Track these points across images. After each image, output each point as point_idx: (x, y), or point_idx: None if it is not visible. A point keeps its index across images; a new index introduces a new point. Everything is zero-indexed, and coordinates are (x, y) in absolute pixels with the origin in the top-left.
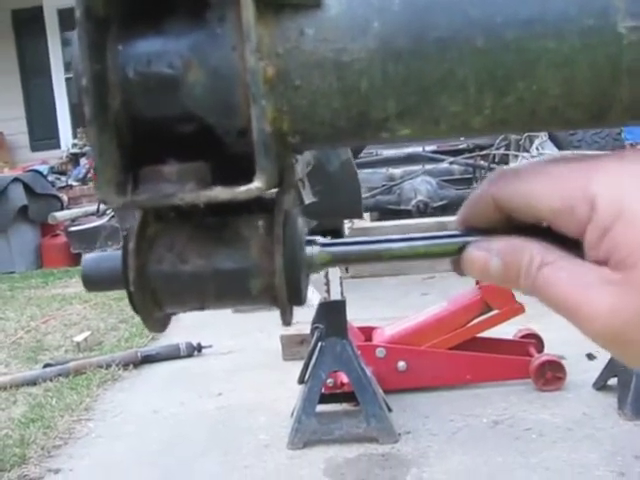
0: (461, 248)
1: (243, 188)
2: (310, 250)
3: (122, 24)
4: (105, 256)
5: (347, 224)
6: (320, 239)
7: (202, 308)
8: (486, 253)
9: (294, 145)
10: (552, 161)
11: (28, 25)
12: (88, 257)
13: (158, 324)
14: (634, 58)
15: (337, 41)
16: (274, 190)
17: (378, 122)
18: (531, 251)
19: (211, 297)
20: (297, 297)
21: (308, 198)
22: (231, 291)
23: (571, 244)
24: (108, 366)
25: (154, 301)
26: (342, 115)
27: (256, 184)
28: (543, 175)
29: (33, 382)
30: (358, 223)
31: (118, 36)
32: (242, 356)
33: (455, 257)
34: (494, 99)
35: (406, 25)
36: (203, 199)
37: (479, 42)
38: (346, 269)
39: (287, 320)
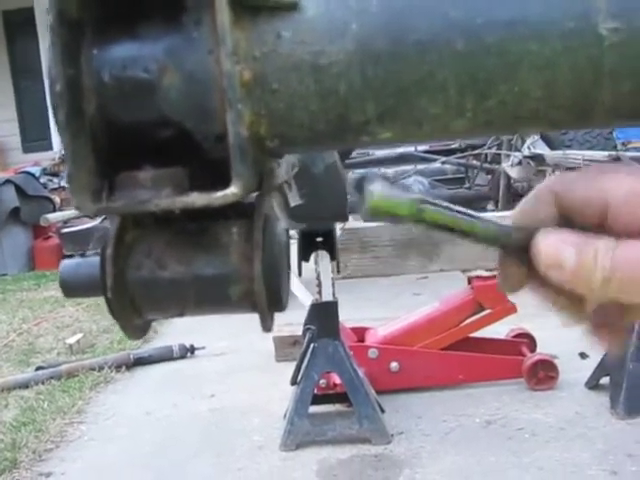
0: (518, 239)
1: (219, 194)
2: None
3: (96, 28)
4: (83, 262)
5: (339, 225)
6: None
7: (182, 314)
8: (561, 242)
9: (273, 149)
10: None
11: (19, 26)
12: (66, 263)
13: (137, 331)
14: (615, 60)
15: (314, 44)
16: (255, 194)
17: (358, 125)
18: (602, 238)
19: (191, 303)
20: (277, 303)
21: (294, 201)
22: (211, 297)
23: None
24: (100, 368)
25: (133, 308)
26: (321, 118)
27: (232, 190)
28: (609, 171)
29: (25, 385)
30: (350, 223)
31: (93, 40)
32: (235, 358)
33: (510, 250)
34: (475, 102)
35: (384, 27)
36: (179, 205)
37: (459, 45)
38: (337, 270)
39: (267, 326)
